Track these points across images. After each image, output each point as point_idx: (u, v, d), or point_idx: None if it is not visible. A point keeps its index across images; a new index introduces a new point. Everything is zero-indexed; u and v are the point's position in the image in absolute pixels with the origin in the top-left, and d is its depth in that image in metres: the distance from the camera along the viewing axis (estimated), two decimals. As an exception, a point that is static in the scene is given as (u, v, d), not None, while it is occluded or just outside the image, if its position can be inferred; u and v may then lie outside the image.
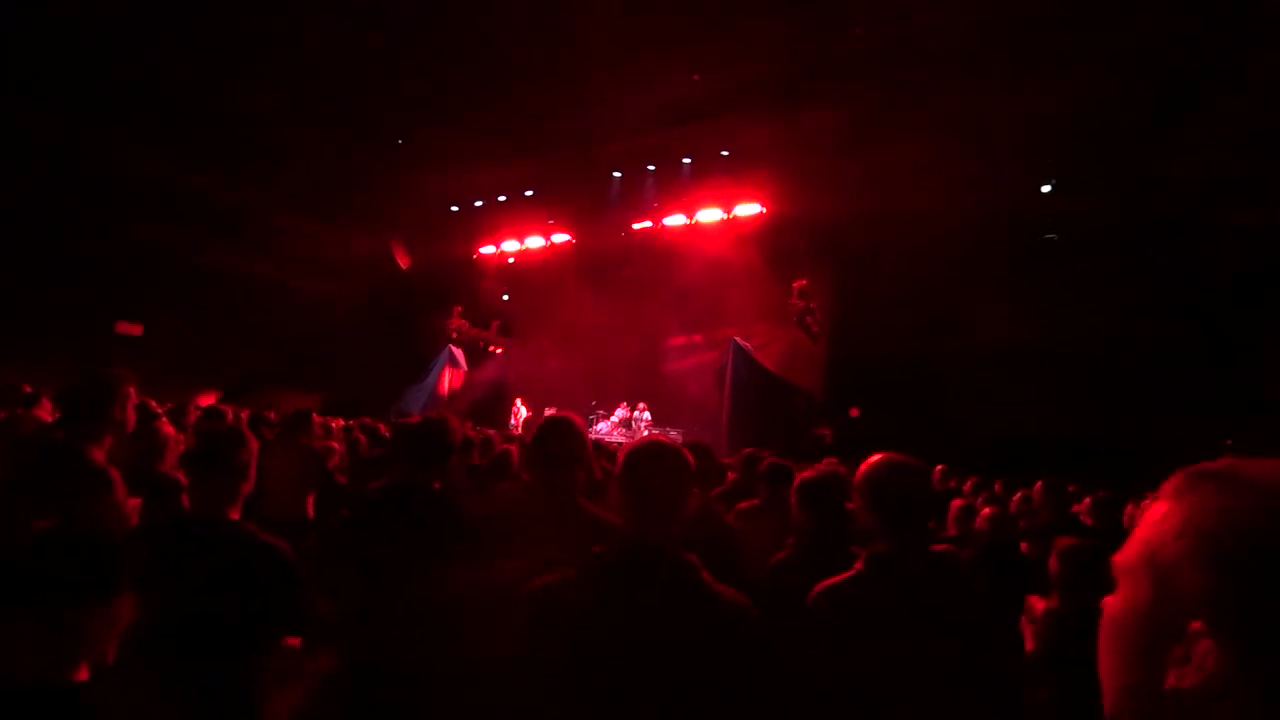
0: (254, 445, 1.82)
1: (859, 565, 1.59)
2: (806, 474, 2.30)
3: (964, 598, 1.56)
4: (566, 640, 1.24)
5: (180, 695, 1.56)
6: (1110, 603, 0.63)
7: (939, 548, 1.63)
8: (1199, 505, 0.57)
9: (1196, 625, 0.52)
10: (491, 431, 9.40)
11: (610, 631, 1.23)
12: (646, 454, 1.38)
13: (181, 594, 1.61)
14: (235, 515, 1.77)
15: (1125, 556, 0.62)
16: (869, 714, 1.45)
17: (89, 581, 1.03)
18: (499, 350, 17.37)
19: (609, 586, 1.27)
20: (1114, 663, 0.61)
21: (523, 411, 14.83)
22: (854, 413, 11.12)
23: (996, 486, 5.24)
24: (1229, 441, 8.16)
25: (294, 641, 2.00)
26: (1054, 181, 10.58)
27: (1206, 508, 0.56)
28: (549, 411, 14.94)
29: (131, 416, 1.99)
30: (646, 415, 13.36)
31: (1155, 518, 0.60)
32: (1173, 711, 0.54)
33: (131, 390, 1.98)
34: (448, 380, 15.70)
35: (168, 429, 2.60)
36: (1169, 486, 0.62)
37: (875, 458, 1.67)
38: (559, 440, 1.92)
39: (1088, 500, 4.33)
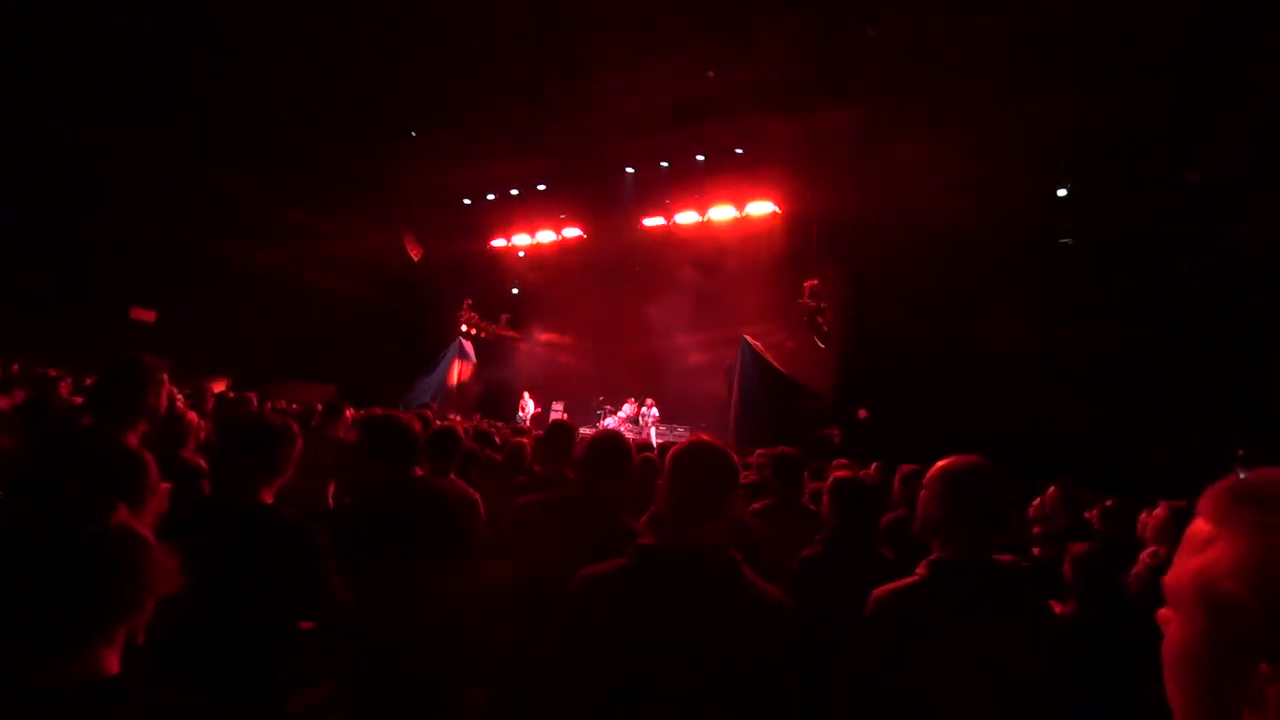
0: (299, 439, 1.86)
1: (921, 571, 1.53)
2: (840, 473, 2.32)
3: (1027, 614, 1.50)
4: (609, 632, 1.26)
5: (208, 678, 1.59)
6: (1167, 631, 0.61)
7: (1003, 558, 1.56)
8: (1255, 542, 0.53)
9: (1265, 669, 0.50)
10: (500, 424, 9.46)
11: (653, 626, 1.25)
12: (692, 453, 1.39)
13: (218, 577, 1.64)
14: (269, 500, 1.81)
15: (1175, 582, 0.60)
16: None
17: (126, 585, 1.00)
18: (508, 344, 17.43)
19: (653, 580, 1.29)
20: (1176, 690, 0.59)
21: (530, 405, 14.88)
22: (862, 414, 11.09)
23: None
24: (1241, 451, 8.10)
25: (310, 625, 2.03)
26: (1069, 186, 10.50)
27: (1265, 546, 0.53)
28: (556, 406, 15.03)
29: (164, 403, 2.03)
30: (654, 412, 13.37)
31: (1199, 542, 0.58)
32: None
33: (164, 377, 2.02)
34: (457, 372, 15.77)
35: (192, 415, 2.64)
36: (1209, 505, 0.59)
37: (957, 456, 1.57)
38: (606, 451, 2.02)
39: (1097, 507, 4.31)
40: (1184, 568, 0.59)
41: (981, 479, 1.54)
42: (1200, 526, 0.59)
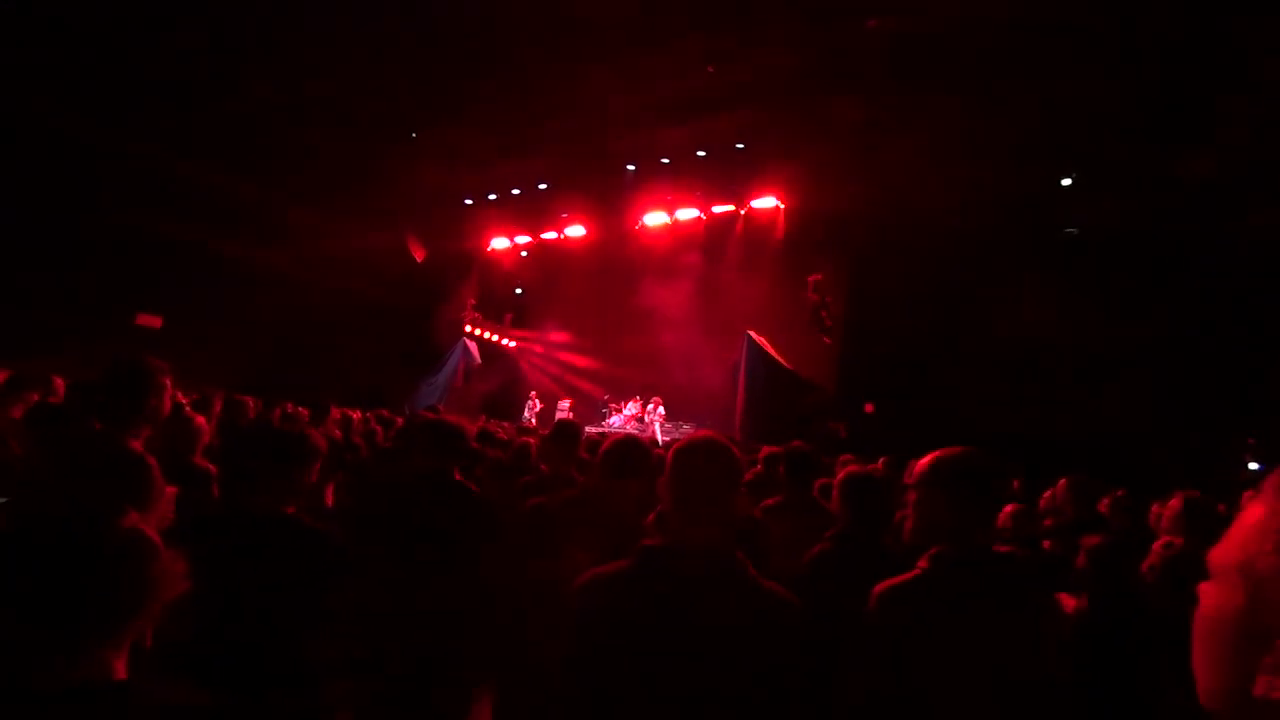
0: (323, 451, 1.90)
1: (922, 564, 1.51)
2: (851, 469, 2.30)
3: (1030, 607, 1.49)
4: (614, 633, 1.25)
5: (231, 681, 1.59)
6: (1204, 601, 0.63)
7: (1002, 549, 1.56)
8: None
9: None
10: (506, 424, 9.47)
11: (658, 627, 1.23)
12: (694, 451, 1.36)
13: (247, 586, 1.66)
14: (291, 510, 1.83)
15: (1219, 558, 0.62)
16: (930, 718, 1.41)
17: (132, 588, 0.99)
18: (512, 343, 17.45)
19: (656, 582, 1.27)
20: (1204, 661, 0.61)
21: (536, 405, 14.89)
22: (868, 408, 11.06)
23: (1015, 484, 5.18)
24: (1251, 440, 8.05)
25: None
26: (1074, 175, 10.42)
27: None
28: (562, 405, 15.04)
29: (167, 406, 2.03)
30: (660, 410, 13.36)
31: (1250, 521, 0.60)
32: (1262, 719, 0.53)
33: (167, 380, 2.02)
34: (462, 373, 15.80)
35: (200, 419, 2.64)
36: (1267, 486, 0.60)
37: (955, 448, 1.56)
38: (626, 456, 2.04)
39: (1106, 499, 4.27)
40: (1231, 543, 0.61)
41: (976, 469, 1.53)
42: (1255, 508, 0.61)
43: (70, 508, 1.01)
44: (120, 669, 0.99)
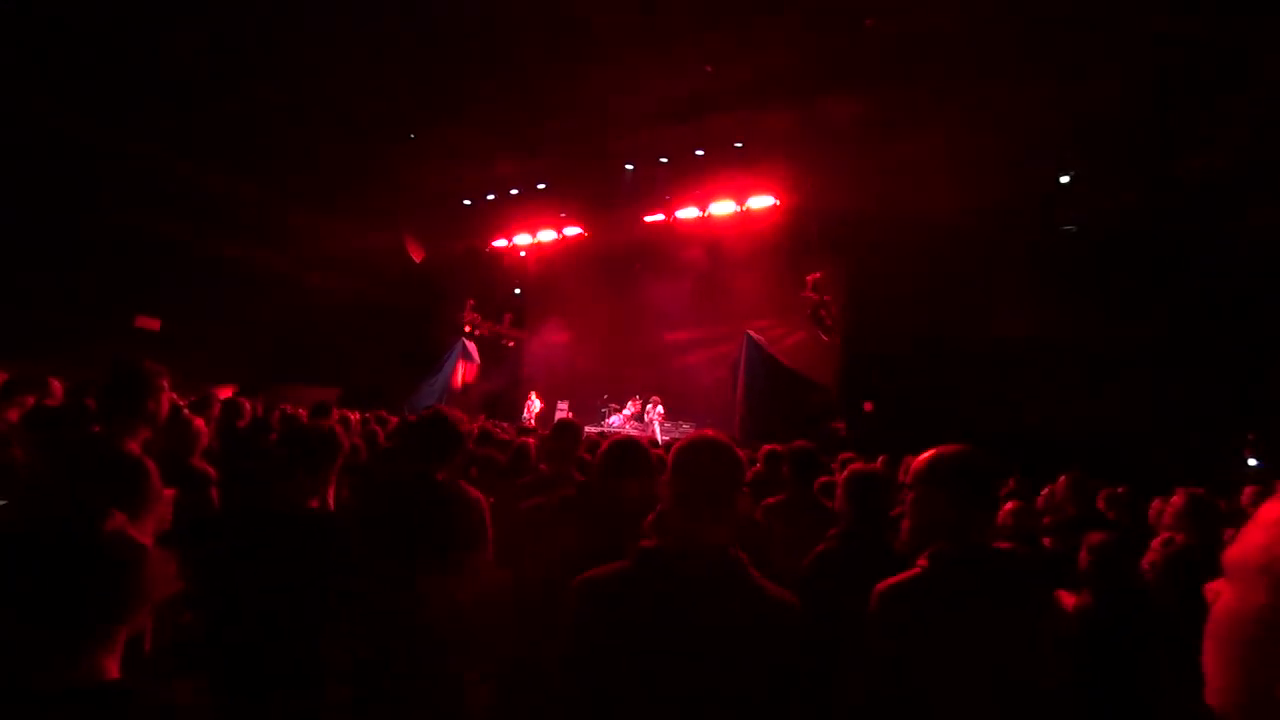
0: (346, 447, 1.92)
1: (923, 563, 1.50)
2: (855, 466, 2.30)
3: (1031, 605, 1.48)
4: (613, 633, 1.24)
5: (236, 685, 1.60)
6: (1220, 601, 0.62)
7: (1002, 546, 1.55)
8: None
9: None
10: (505, 424, 9.46)
11: (658, 627, 1.23)
12: (696, 450, 1.35)
13: (250, 587, 1.67)
14: (315, 504, 1.85)
15: (1238, 557, 0.61)
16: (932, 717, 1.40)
17: (118, 589, 0.99)
18: (511, 343, 17.44)
19: (658, 582, 1.26)
20: (1223, 661, 0.60)
21: (536, 404, 14.89)
22: (868, 407, 11.06)
23: (1011, 482, 5.18)
24: (1251, 436, 8.05)
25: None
26: (1073, 173, 10.42)
27: None
28: (561, 405, 15.04)
29: (165, 409, 2.03)
30: (659, 409, 13.36)
31: (1271, 519, 0.59)
32: None
33: (164, 383, 2.02)
34: (461, 373, 15.80)
35: (199, 422, 2.64)
36: None
37: (951, 446, 1.56)
38: (626, 455, 2.06)
39: (1103, 493, 4.26)
40: (1251, 542, 0.61)
41: (974, 467, 1.53)
42: (1276, 506, 0.61)
43: (56, 511, 1.02)
44: (113, 669, 1.00)
